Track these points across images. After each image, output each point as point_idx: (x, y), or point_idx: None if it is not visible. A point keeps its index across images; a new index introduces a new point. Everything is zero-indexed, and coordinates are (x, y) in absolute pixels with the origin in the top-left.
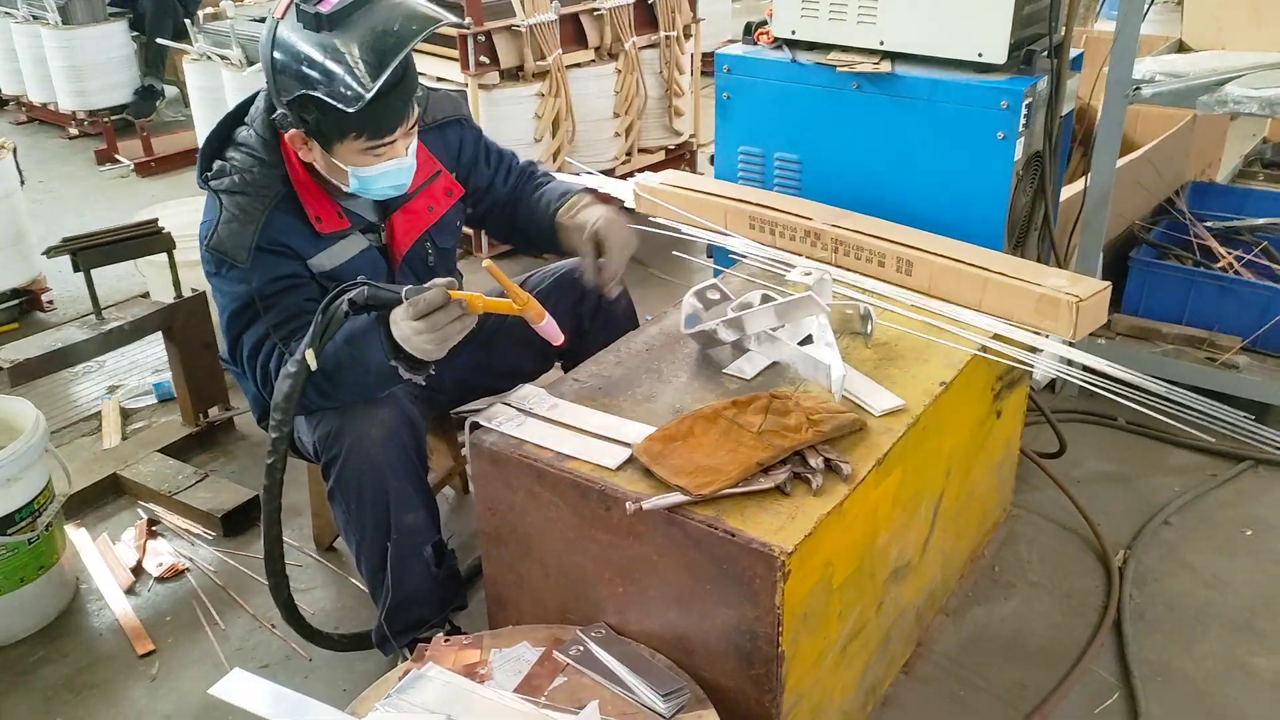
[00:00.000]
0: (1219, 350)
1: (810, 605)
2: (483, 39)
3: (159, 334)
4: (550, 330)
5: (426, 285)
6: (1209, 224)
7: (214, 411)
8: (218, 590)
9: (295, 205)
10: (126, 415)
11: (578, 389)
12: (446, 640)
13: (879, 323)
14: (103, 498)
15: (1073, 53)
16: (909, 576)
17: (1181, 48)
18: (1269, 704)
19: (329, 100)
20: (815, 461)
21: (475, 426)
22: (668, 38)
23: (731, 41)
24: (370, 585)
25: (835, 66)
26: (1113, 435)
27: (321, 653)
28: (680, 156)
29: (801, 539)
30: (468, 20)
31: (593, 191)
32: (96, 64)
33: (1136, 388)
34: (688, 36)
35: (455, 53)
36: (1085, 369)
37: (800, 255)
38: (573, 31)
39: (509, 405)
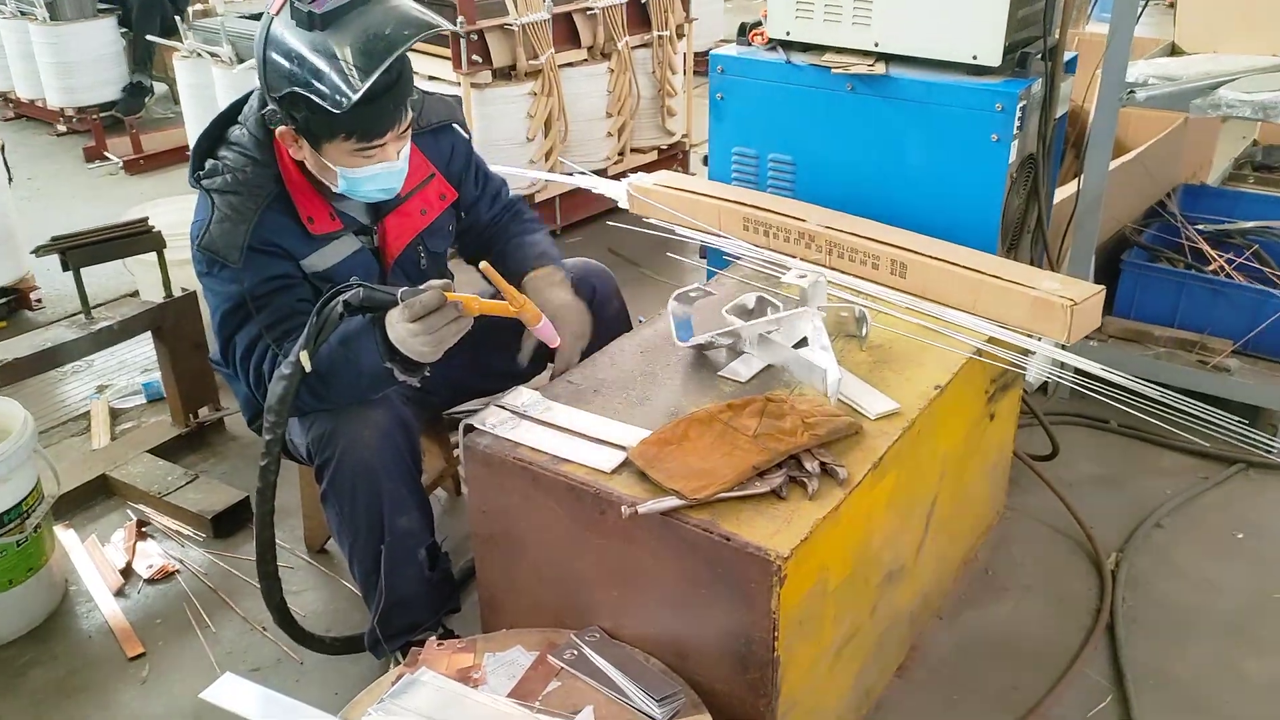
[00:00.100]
0: (1210, 353)
1: (805, 610)
2: (475, 38)
3: (148, 333)
4: (546, 332)
5: (422, 287)
6: (1200, 227)
7: (204, 412)
8: (208, 592)
9: (288, 205)
10: (115, 415)
11: (572, 391)
12: (440, 644)
13: (873, 325)
14: (92, 499)
15: (1067, 55)
16: (903, 580)
17: (1174, 50)
18: (1261, 707)
19: (316, 99)
20: (811, 465)
21: (469, 429)
22: (660, 37)
23: (725, 41)
24: (363, 588)
25: (830, 68)
26: (1105, 438)
27: (313, 656)
28: (673, 156)
29: (797, 543)
30: (460, 20)
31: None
32: (85, 60)
33: (1128, 390)
34: (680, 36)
35: (448, 51)
36: (1077, 371)
37: (794, 257)
38: (565, 31)
39: (503, 407)
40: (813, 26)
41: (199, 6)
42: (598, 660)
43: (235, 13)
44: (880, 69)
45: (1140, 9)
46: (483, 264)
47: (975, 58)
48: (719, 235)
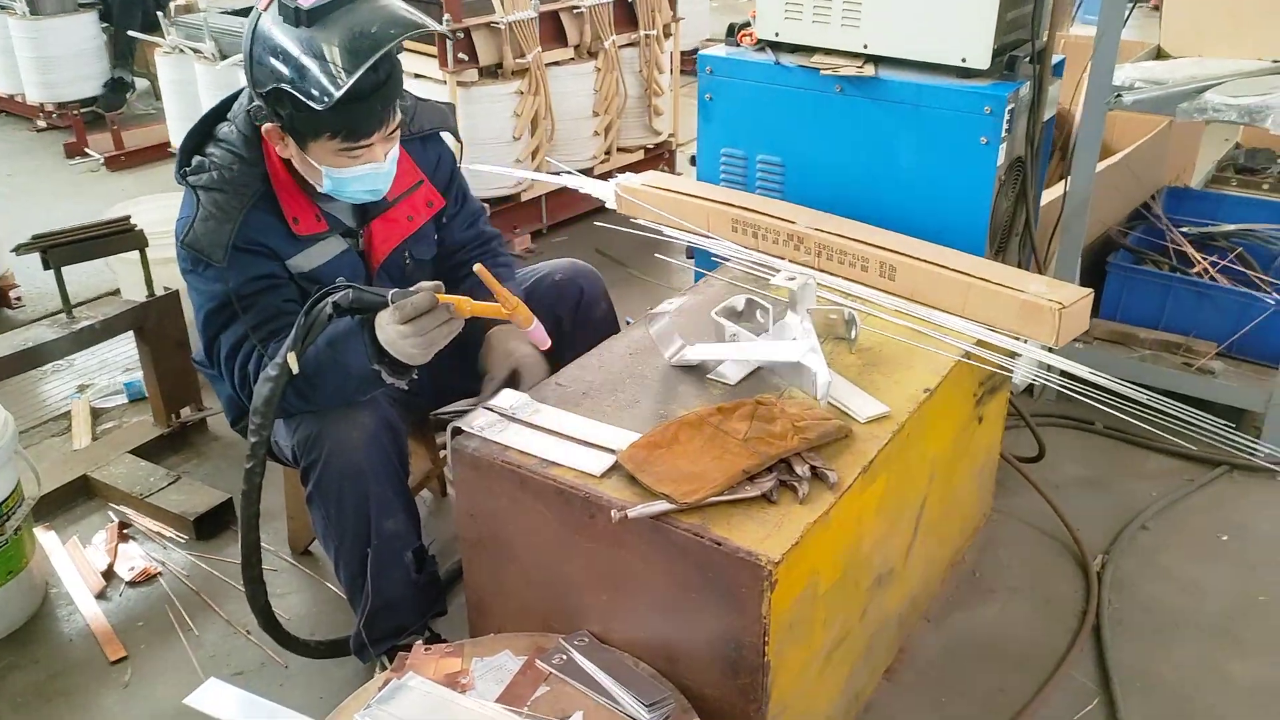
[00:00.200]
0: (1195, 355)
1: (796, 614)
2: (461, 36)
3: (130, 332)
4: (538, 335)
5: (413, 289)
6: (1185, 229)
7: (186, 412)
8: (191, 595)
9: (274, 204)
10: (96, 415)
11: (560, 394)
12: (427, 648)
13: (862, 328)
14: (73, 500)
15: (1054, 58)
16: (892, 583)
17: (1160, 54)
18: (1246, 710)
19: (301, 96)
20: (801, 469)
21: (457, 432)
22: (647, 36)
23: (711, 41)
24: (349, 591)
25: (819, 69)
26: (1090, 440)
27: (298, 659)
28: (659, 156)
29: (788, 548)
30: (446, 18)
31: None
32: (65, 55)
33: (1114, 393)
34: (667, 35)
35: (434, 49)
36: (1063, 374)
37: (783, 259)
38: (552, 29)
39: (491, 409)
40: (801, 28)
41: (181, 2)
42: (587, 665)
43: (218, 8)
44: (869, 71)
45: (1127, 13)
46: (476, 266)
47: (964, 60)
48: (707, 236)
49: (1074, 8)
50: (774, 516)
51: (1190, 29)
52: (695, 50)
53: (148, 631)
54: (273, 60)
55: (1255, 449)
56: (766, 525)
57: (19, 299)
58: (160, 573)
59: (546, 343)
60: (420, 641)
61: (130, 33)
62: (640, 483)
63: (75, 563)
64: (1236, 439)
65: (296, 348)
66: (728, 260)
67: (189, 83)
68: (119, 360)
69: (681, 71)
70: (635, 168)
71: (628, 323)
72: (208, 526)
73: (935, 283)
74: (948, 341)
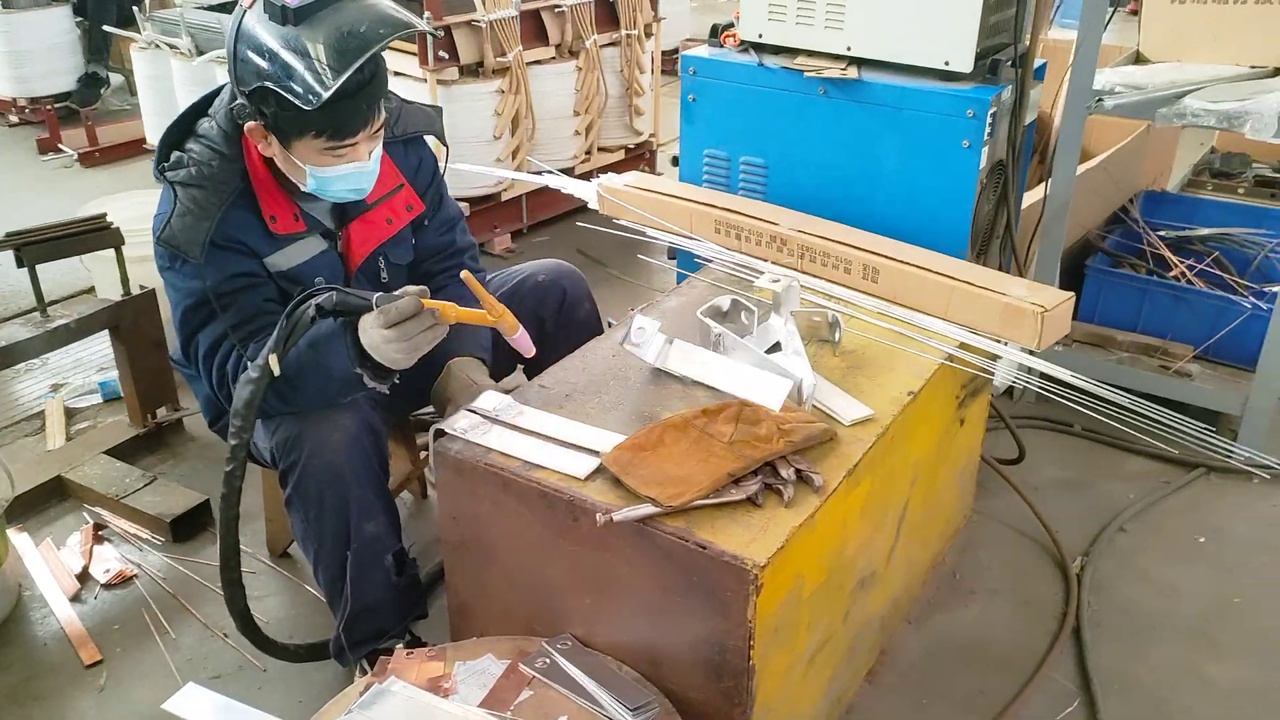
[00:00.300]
0: (1172, 358)
1: (781, 618)
2: (442, 34)
3: (105, 331)
4: (523, 343)
5: (398, 293)
6: (1162, 233)
7: (162, 412)
8: (167, 598)
9: (252, 202)
10: (71, 415)
11: (544, 395)
12: (409, 653)
13: (845, 330)
14: (46, 501)
15: (1036, 63)
16: (875, 586)
17: (1138, 59)
18: (1224, 711)
19: (287, 96)
20: (786, 472)
21: (440, 434)
22: (629, 36)
23: (691, 41)
24: (328, 595)
25: (802, 71)
26: (1069, 442)
27: (276, 662)
28: (640, 156)
29: (774, 552)
30: (426, 16)
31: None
32: (38, 49)
33: (1092, 395)
34: (649, 35)
35: (414, 47)
36: (1043, 376)
37: (766, 260)
38: (533, 28)
39: (474, 411)
40: (785, 29)
41: None
42: (570, 669)
43: (194, 4)
44: (853, 73)
45: (1108, 18)
46: (464, 273)
47: (947, 63)
48: (690, 238)
49: (1052, 11)
50: (759, 520)
51: (1169, 34)
52: (675, 50)
53: (123, 635)
54: (258, 59)
55: (1232, 452)
56: (752, 529)
57: None
58: (136, 575)
59: (531, 351)
60: (401, 645)
61: (105, 27)
62: (625, 485)
63: (49, 565)
64: (1213, 442)
65: (278, 349)
66: (710, 262)
67: (165, 78)
68: (94, 359)
69: (662, 71)
70: (616, 168)
71: (609, 324)
72: (184, 528)
73: (918, 285)
74: (930, 344)
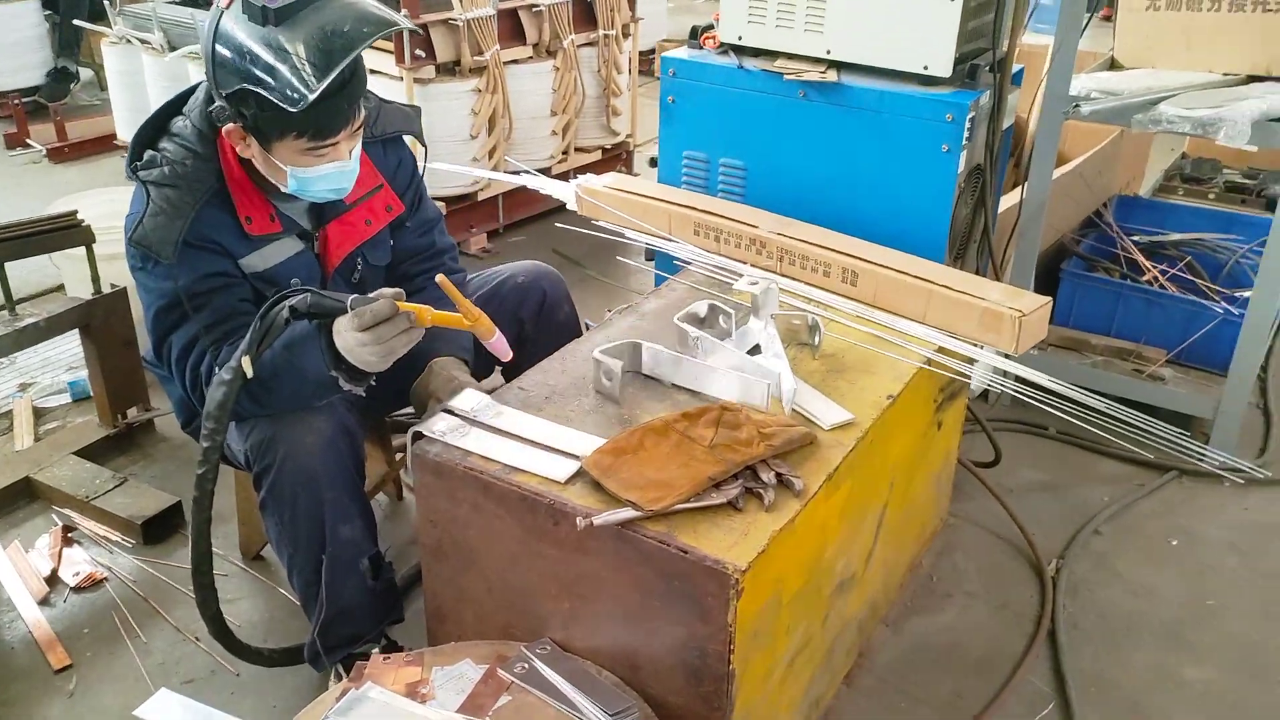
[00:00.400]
0: (1145, 362)
1: (761, 622)
2: (419, 32)
3: (74, 330)
4: (500, 347)
5: (373, 295)
6: (1135, 238)
7: (133, 412)
8: (138, 601)
9: (227, 202)
10: (39, 415)
11: (523, 398)
12: (385, 657)
13: (825, 334)
14: (14, 503)
15: (1014, 68)
16: (853, 589)
17: (1113, 65)
18: (1198, 713)
19: (270, 98)
20: (767, 476)
21: (418, 436)
22: (606, 36)
23: (668, 42)
24: (303, 599)
25: (782, 74)
26: (1044, 445)
27: (249, 667)
28: (617, 156)
29: (755, 556)
30: (403, 13)
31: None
32: (6, 43)
33: (1067, 398)
34: (626, 36)
35: (390, 45)
36: (1018, 379)
37: (745, 263)
38: (511, 27)
39: (452, 411)
40: (765, 32)
41: None
42: (549, 674)
43: None
44: (832, 76)
45: (1084, 24)
46: (439, 277)
47: (926, 68)
48: (669, 239)
49: (1026, 17)
50: (740, 524)
51: (1143, 41)
52: (652, 51)
53: (93, 639)
54: (239, 60)
55: (1204, 455)
56: (733, 533)
57: None
58: (106, 578)
59: (508, 355)
60: (377, 650)
61: (76, 21)
62: (605, 489)
63: (17, 568)
64: (1186, 445)
65: (252, 351)
66: (689, 264)
67: (136, 74)
68: (63, 359)
69: (639, 72)
70: (593, 168)
71: (588, 326)
72: (156, 530)
73: (897, 289)
74: (909, 348)
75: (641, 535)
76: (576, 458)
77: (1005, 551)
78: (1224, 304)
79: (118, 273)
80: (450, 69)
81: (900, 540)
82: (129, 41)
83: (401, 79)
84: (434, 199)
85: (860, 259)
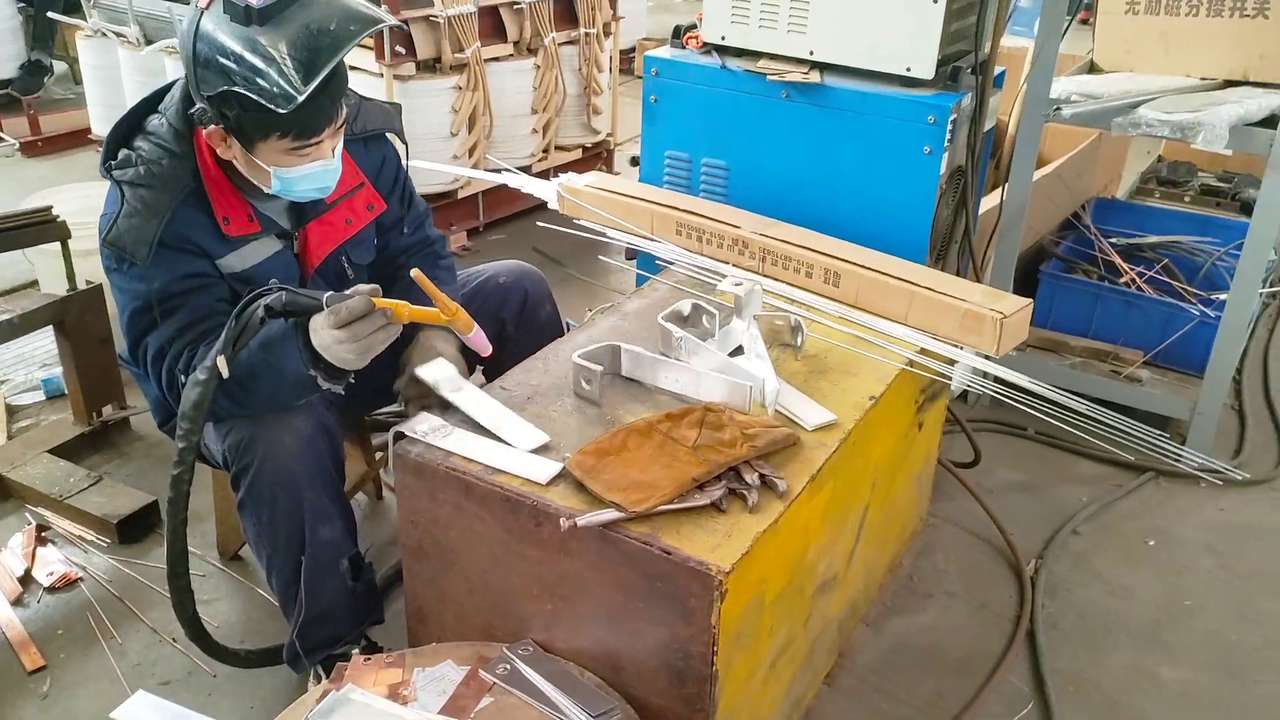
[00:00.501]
0: (1123, 364)
1: (744, 623)
2: (403, 27)
3: (49, 327)
4: (478, 342)
5: (349, 292)
6: (1113, 240)
7: (108, 410)
8: (113, 601)
9: (204, 201)
10: (12, 413)
11: (505, 398)
12: (366, 658)
13: (807, 334)
14: None
15: (995, 70)
16: (835, 589)
17: (1093, 68)
18: (1176, 713)
19: (256, 99)
20: (751, 478)
21: (400, 436)
22: (587, 35)
23: (649, 40)
24: (282, 600)
25: (765, 74)
26: (1023, 445)
27: (227, 668)
28: (597, 155)
29: (739, 558)
30: (383, 8)
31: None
32: None
33: (1046, 399)
34: (607, 34)
35: (370, 41)
36: (997, 380)
37: (727, 263)
38: (492, 24)
39: (435, 414)
40: (748, 32)
41: None
42: (531, 675)
43: None
44: (815, 77)
45: (1065, 27)
46: (414, 271)
47: (909, 70)
48: (651, 239)
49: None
50: (724, 525)
51: (1122, 45)
52: (632, 49)
53: (67, 640)
54: (221, 62)
55: (1181, 456)
56: (716, 534)
57: None
58: (81, 578)
59: (487, 349)
60: (357, 651)
61: (50, 14)
62: (588, 490)
63: None
64: (1164, 446)
65: (227, 351)
66: (672, 264)
67: (112, 67)
68: (36, 355)
69: (620, 70)
70: (573, 167)
71: (569, 325)
72: (131, 530)
73: (879, 290)
74: (891, 349)
75: (625, 536)
76: (559, 459)
77: (984, 551)
78: (1200, 306)
79: (93, 269)
80: (431, 66)
81: (881, 540)
82: (104, 35)
83: (381, 76)
84: None
85: (842, 260)
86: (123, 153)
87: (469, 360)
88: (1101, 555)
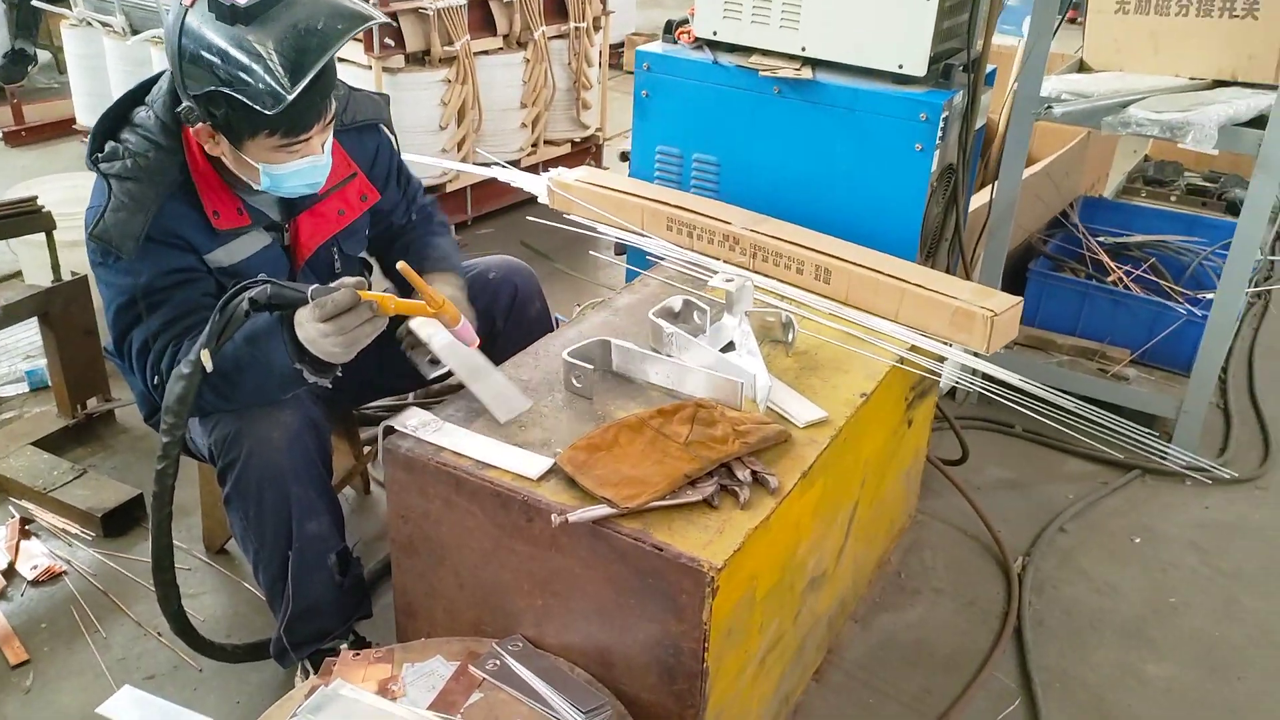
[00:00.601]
0: (1110, 362)
1: (735, 620)
2: (392, 23)
3: (33, 319)
4: (465, 334)
5: (334, 285)
6: (1100, 238)
7: (93, 402)
8: (98, 595)
9: (192, 195)
10: None
11: None
12: (355, 654)
13: (798, 331)
14: None
15: (987, 68)
16: (824, 586)
17: (1082, 67)
18: (1161, 710)
19: (244, 99)
20: (742, 474)
21: (389, 431)
22: (577, 29)
23: (638, 35)
24: (269, 595)
25: (757, 70)
26: (1010, 443)
27: (212, 662)
28: (586, 150)
29: (731, 554)
30: (373, 2)
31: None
32: None
33: (1034, 397)
34: (597, 29)
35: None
36: (986, 377)
37: (718, 259)
38: (481, 17)
39: (425, 408)
40: (740, 27)
41: None
42: (521, 671)
43: None
44: (807, 74)
45: (1055, 26)
46: (400, 264)
47: (901, 67)
48: (642, 235)
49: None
50: (715, 522)
51: (1111, 45)
52: (621, 44)
53: (51, 634)
54: (209, 60)
55: (1167, 454)
56: (708, 531)
57: None
58: (65, 571)
59: (474, 341)
60: (345, 646)
61: (34, 2)
62: (580, 486)
63: None
64: (1150, 444)
65: (211, 345)
66: (662, 260)
67: (97, 57)
68: (20, 347)
69: (610, 65)
70: (562, 161)
71: (559, 319)
72: (116, 523)
73: (870, 287)
74: (882, 346)
75: (616, 532)
76: (550, 454)
77: (972, 548)
78: (1187, 305)
79: (78, 260)
80: (420, 59)
81: (870, 537)
82: (89, 24)
83: (370, 68)
84: None
85: (833, 256)
86: (109, 145)
87: None
88: (1088, 553)
